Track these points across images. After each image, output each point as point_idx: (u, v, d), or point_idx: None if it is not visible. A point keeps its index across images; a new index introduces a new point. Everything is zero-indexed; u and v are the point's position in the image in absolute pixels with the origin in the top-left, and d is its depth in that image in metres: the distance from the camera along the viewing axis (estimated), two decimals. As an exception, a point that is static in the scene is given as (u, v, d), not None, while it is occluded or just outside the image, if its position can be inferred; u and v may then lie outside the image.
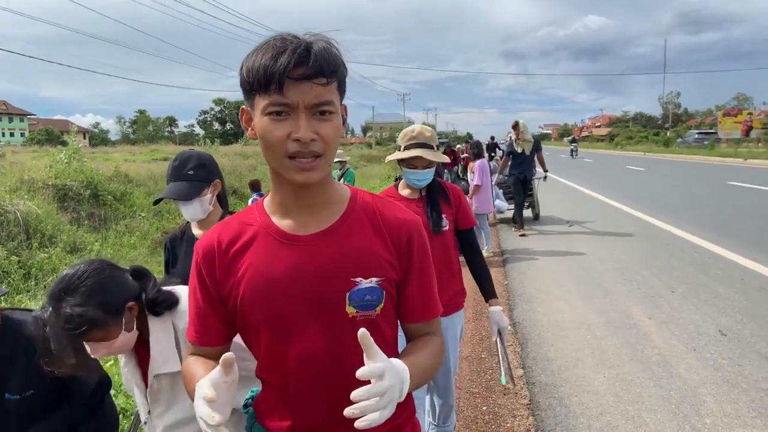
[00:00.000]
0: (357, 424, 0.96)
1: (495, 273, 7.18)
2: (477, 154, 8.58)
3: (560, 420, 3.41)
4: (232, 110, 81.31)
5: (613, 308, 5.41)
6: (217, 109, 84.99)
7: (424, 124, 3.01)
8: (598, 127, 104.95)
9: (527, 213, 10.80)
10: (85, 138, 69.73)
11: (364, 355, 1.01)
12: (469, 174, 8.64)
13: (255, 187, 10.55)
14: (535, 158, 9.86)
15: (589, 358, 4.29)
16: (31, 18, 39.94)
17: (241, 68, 1.09)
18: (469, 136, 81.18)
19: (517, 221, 9.98)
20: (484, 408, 3.65)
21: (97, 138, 77.97)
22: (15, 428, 1.88)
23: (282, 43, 1.05)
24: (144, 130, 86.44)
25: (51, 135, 50.27)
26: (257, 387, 1.33)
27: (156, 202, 2.28)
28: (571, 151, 43.30)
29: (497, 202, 9.68)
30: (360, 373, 0.98)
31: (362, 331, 1.00)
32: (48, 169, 11.30)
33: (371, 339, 1.01)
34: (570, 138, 63.43)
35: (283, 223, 1.19)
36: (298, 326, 1.16)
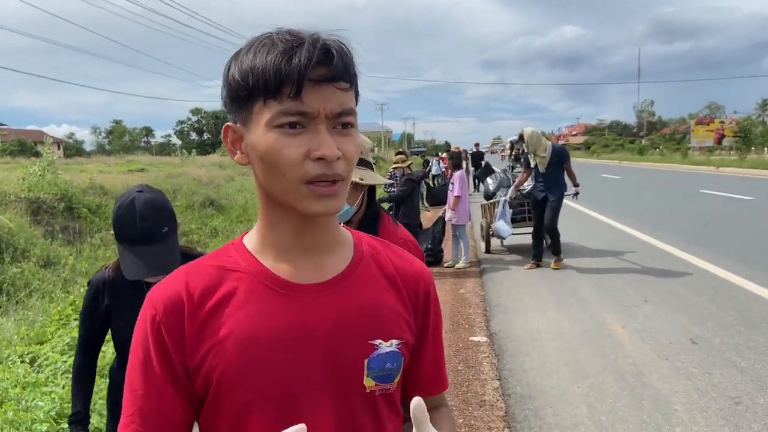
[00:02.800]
0: None
1: (472, 284, 7.25)
2: (456, 165, 8.67)
3: None
4: (209, 120, 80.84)
5: (587, 318, 5.49)
6: (194, 119, 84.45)
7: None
8: (575, 135, 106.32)
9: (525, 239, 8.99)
10: (59, 149, 68.68)
11: (414, 429, 0.81)
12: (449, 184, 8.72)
13: None
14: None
15: (564, 369, 4.34)
16: (3, 28, 39.43)
17: (229, 70, 0.84)
18: (448, 145, 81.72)
19: (534, 249, 7.92)
20: (460, 421, 3.67)
21: (71, 149, 76.85)
22: None
23: (292, 37, 0.81)
24: (120, 140, 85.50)
25: (24, 146, 49.41)
26: None
27: (133, 279, 1.75)
28: None
29: (498, 224, 8.31)
30: None
31: (417, 401, 0.79)
32: (21, 181, 11.13)
33: (425, 412, 0.80)
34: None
35: (279, 268, 0.90)
36: (304, 405, 0.87)
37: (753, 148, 38.49)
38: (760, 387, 3.82)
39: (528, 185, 8.37)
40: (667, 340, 4.75)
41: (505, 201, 8.38)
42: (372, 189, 2.05)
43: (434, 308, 1.04)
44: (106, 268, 1.93)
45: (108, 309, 1.89)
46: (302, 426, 0.74)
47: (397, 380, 0.95)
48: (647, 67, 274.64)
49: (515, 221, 8.80)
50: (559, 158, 7.56)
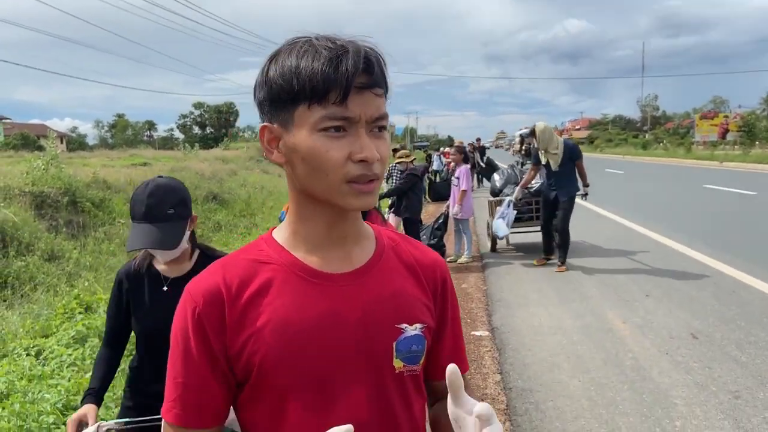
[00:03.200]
0: None
1: (474, 278, 7.28)
2: (465, 159, 8.70)
3: (536, 425, 3.47)
4: (211, 114, 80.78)
5: (589, 312, 5.51)
6: (197, 113, 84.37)
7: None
8: (578, 129, 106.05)
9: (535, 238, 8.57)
10: (62, 142, 68.79)
11: (449, 399, 0.85)
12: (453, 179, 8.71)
13: None
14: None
15: (565, 363, 4.37)
16: (5, 22, 39.45)
17: (268, 72, 0.90)
18: (451, 139, 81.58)
19: (544, 245, 7.88)
20: (462, 414, 3.70)
21: (74, 142, 76.96)
22: None
23: (334, 45, 0.87)
24: (122, 134, 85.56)
25: (27, 140, 49.51)
26: None
27: (131, 249, 1.86)
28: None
29: (497, 222, 8.04)
30: (481, 409, 0.80)
31: (453, 368, 0.83)
32: (25, 175, 11.17)
33: (460, 378, 0.84)
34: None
35: (311, 260, 0.97)
36: (339, 387, 0.94)
37: (757, 142, 38.36)
38: (760, 381, 3.85)
39: (536, 182, 8.20)
40: (668, 335, 4.78)
41: (510, 201, 7.99)
42: None
43: (451, 294, 1.11)
44: (134, 260, 2.01)
45: (129, 301, 1.96)
46: (350, 427, 0.78)
47: (421, 362, 1.01)
48: (652, 62, 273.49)
49: (521, 220, 8.56)
50: (571, 156, 7.27)
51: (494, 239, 8.86)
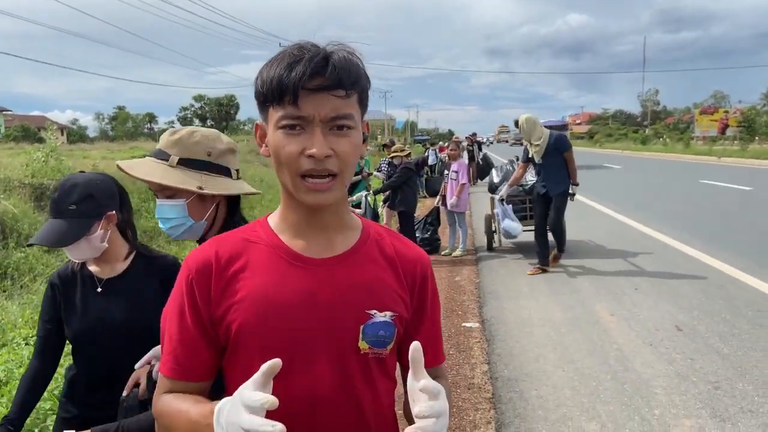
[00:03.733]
0: None
1: (468, 271, 7.37)
2: (471, 157, 8.82)
3: (519, 413, 3.58)
4: (212, 107, 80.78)
5: (578, 305, 5.61)
6: (197, 105, 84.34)
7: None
8: (579, 124, 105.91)
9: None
10: (63, 134, 68.83)
11: (410, 374, 0.93)
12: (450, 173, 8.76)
13: None
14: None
15: (551, 354, 4.47)
16: (6, 14, 39.42)
17: (256, 80, 1.03)
18: (451, 133, 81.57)
19: (538, 253, 7.14)
20: (449, 402, 3.80)
21: (75, 134, 76.94)
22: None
23: (299, 52, 0.98)
24: (123, 126, 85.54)
25: (27, 131, 49.53)
26: None
27: (30, 245, 1.88)
28: None
29: (506, 223, 7.59)
30: (424, 384, 0.89)
31: (416, 345, 0.91)
32: (25, 167, 11.27)
33: (422, 355, 0.92)
34: None
35: (295, 244, 1.08)
36: (304, 359, 1.03)
37: (756, 138, 38.38)
38: (740, 373, 3.95)
39: (532, 179, 7.91)
40: (653, 327, 4.88)
41: (501, 199, 7.64)
42: (235, 199, 1.76)
43: (431, 290, 1.18)
44: (70, 262, 1.91)
45: (62, 303, 1.86)
46: (277, 360, 0.87)
47: (389, 347, 1.09)
48: (653, 56, 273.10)
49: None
50: (558, 147, 6.73)
51: (490, 238, 8.60)
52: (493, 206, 8.61)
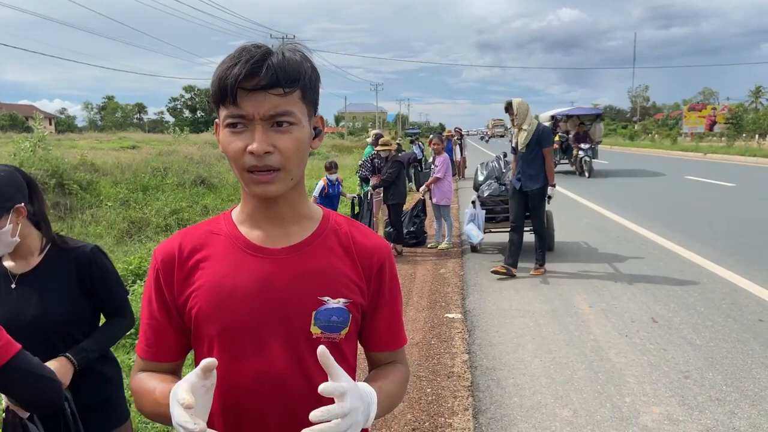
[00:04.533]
0: None
1: (452, 264, 7.49)
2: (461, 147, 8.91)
3: (496, 400, 3.70)
4: (202, 98, 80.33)
5: (558, 297, 5.74)
6: (187, 96, 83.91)
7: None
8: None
9: (528, 237, 6.88)
10: (51, 124, 68.30)
11: (329, 377, 0.98)
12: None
13: (336, 167, 8.45)
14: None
15: (529, 344, 4.59)
16: (-6, 0, 38.93)
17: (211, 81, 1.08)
18: (442, 127, 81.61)
19: (508, 250, 6.67)
20: (428, 390, 3.92)
21: (63, 124, 76.38)
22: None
23: (239, 54, 1.02)
24: (112, 116, 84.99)
25: (15, 121, 49.13)
26: None
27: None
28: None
29: (468, 227, 7.46)
30: (322, 388, 0.94)
31: (321, 349, 0.95)
32: (12, 157, 11.27)
33: (331, 357, 0.96)
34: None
35: (252, 235, 1.14)
36: (258, 342, 1.10)
37: (744, 134, 38.75)
38: (711, 363, 4.08)
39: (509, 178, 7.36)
40: (629, 319, 5.01)
41: (473, 201, 7.43)
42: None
43: (389, 277, 1.22)
44: None
45: None
46: (212, 360, 0.95)
47: (343, 332, 1.14)
48: (644, 52, 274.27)
49: (495, 220, 7.99)
50: (540, 140, 6.31)
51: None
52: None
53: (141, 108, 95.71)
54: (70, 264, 1.82)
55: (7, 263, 1.82)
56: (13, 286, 1.78)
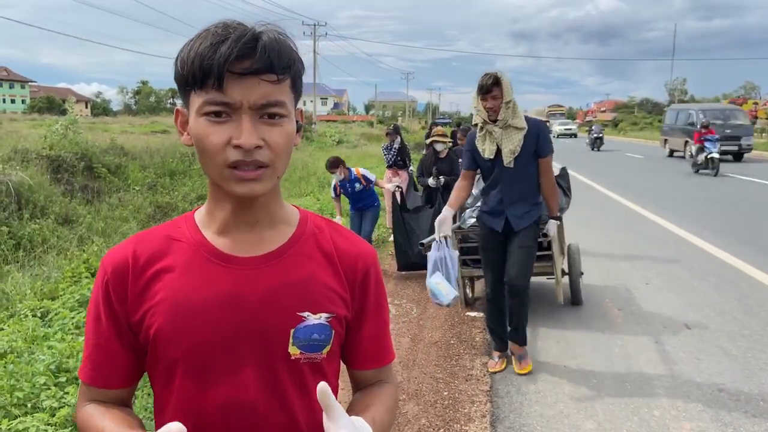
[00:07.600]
0: None
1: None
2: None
3: (515, 407, 3.53)
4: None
5: (586, 299, 5.50)
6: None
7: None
8: (603, 111, 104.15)
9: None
10: (86, 107, 69.60)
11: (324, 414, 0.86)
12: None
13: (335, 166, 6.74)
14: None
15: (554, 348, 4.40)
16: (34, -16, 39.53)
17: (175, 61, 0.91)
18: (460, 120, 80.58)
19: (492, 332, 4.24)
20: (445, 393, 3.76)
21: (98, 107, 77.74)
22: None
23: (224, 30, 0.87)
24: (146, 101, 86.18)
25: (52, 103, 50.16)
26: None
27: None
28: (595, 140, 31.64)
29: (433, 278, 3.93)
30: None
31: (322, 387, 0.84)
32: (43, 139, 11.38)
33: (332, 397, 0.85)
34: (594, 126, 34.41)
35: (219, 242, 0.98)
36: (227, 366, 0.95)
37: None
38: (747, 376, 3.84)
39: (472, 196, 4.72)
40: (661, 324, 4.77)
41: (443, 240, 3.91)
42: None
43: (375, 286, 1.08)
44: None
45: None
46: (180, 427, 0.82)
47: (325, 351, 1.00)
48: (684, 44, 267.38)
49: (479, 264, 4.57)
50: (538, 143, 3.77)
51: (465, 291, 5.45)
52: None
53: (174, 93, 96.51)
54: None
55: None
56: None
